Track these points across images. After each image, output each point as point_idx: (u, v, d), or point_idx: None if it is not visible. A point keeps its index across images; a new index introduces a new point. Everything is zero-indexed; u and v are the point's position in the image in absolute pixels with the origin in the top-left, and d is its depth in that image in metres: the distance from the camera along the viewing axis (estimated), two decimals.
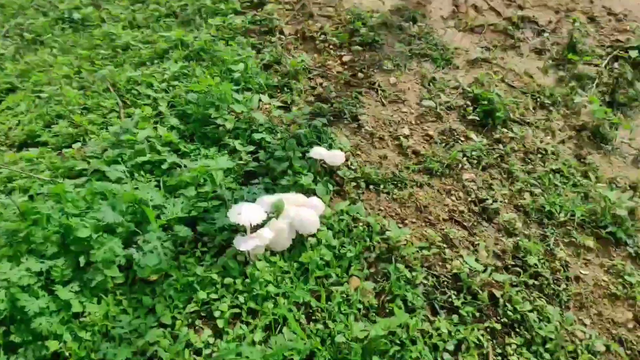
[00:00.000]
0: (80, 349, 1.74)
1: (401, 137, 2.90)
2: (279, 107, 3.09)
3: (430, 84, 3.32)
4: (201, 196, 2.35)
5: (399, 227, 2.33)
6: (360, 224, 2.34)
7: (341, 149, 2.69)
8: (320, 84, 3.28)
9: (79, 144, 2.77)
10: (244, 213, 2.02)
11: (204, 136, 2.81)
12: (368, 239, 2.26)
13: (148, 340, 1.79)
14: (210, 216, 2.27)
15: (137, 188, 2.29)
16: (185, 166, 2.51)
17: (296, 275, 2.07)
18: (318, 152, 2.57)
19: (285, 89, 3.25)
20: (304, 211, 2.20)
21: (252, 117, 2.88)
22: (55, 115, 3.05)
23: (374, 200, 2.53)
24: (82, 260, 1.91)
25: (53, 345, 1.70)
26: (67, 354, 1.73)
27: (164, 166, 2.54)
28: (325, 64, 3.47)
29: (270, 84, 3.25)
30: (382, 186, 2.59)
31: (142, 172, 2.51)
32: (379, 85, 3.26)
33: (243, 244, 2.01)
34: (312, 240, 2.19)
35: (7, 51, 3.98)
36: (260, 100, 3.04)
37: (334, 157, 2.55)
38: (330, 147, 2.74)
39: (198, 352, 1.80)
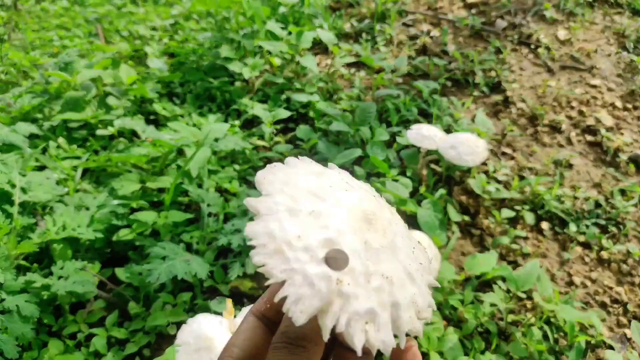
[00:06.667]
0: None
1: (598, 130, 1.37)
2: (350, 64, 1.70)
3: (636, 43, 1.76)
4: (147, 195, 1.00)
5: None
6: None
7: (478, 134, 1.22)
8: (428, 33, 1.85)
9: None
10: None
11: (204, 95, 1.49)
12: None
13: None
14: (146, 251, 0.90)
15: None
16: (140, 137, 1.18)
17: None
18: (426, 133, 1.12)
19: (364, 35, 1.86)
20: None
21: (298, 63, 1.52)
22: None
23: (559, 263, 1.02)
24: None
25: None
26: None
27: (105, 131, 1.23)
28: (437, 5, 2.05)
29: (339, 30, 1.88)
30: (574, 228, 1.08)
31: (64, 138, 1.23)
32: (537, 40, 1.76)
33: None
34: None
35: None
36: (316, 41, 1.68)
37: (465, 145, 1.08)
38: (448, 130, 1.29)
39: None
